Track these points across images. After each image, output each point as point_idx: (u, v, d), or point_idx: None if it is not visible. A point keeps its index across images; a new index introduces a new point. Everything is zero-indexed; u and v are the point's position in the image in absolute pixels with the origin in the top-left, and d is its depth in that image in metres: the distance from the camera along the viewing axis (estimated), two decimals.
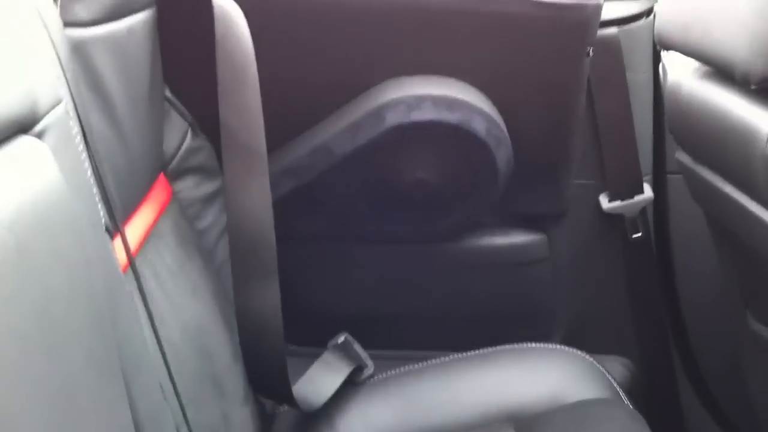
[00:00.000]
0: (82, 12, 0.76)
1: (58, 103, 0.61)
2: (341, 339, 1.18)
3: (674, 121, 1.12)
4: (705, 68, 1.03)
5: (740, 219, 0.98)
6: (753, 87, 0.87)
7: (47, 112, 0.59)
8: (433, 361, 1.19)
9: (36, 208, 0.51)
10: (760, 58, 0.84)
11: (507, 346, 1.20)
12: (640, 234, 1.39)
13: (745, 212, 0.96)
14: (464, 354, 1.19)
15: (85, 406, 0.55)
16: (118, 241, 0.74)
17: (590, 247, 1.41)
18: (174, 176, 1.04)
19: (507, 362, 1.18)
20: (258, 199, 0.97)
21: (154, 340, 0.80)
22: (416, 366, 1.18)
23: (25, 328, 0.48)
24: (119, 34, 0.84)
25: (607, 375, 1.15)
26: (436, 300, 1.36)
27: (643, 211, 1.38)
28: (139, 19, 0.90)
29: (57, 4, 0.74)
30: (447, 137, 1.17)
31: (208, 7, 0.97)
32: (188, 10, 1.01)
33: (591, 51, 1.20)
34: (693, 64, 1.05)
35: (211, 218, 1.09)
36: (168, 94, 1.05)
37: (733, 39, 0.88)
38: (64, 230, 0.54)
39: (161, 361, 0.80)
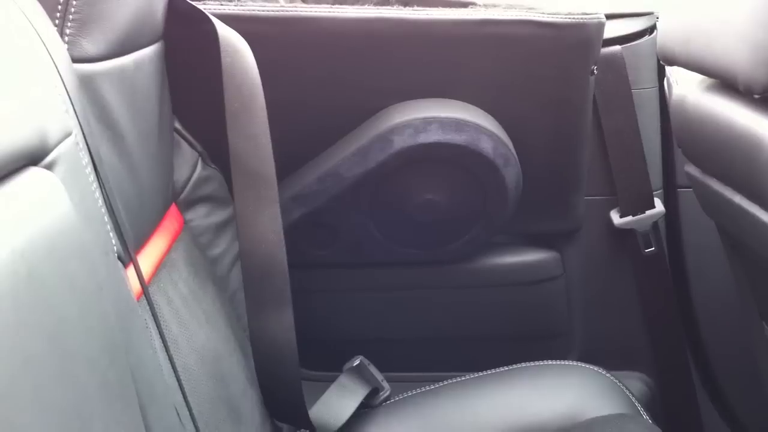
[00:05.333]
0: (89, 48, 0.78)
1: (68, 135, 0.62)
2: (356, 362, 1.19)
3: (681, 134, 1.12)
4: (709, 81, 1.03)
5: (751, 229, 0.98)
6: (756, 96, 0.87)
7: (57, 144, 0.59)
8: (450, 381, 1.18)
9: (47, 237, 0.52)
10: (762, 67, 0.85)
11: (524, 365, 1.20)
12: (653, 249, 1.39)
13: (755, 222, 0.96)
14: (481, 373, 1.19)
15: (100, 431, 0.55)
16: (131, 270, 0.75)
17: (604, 264, 1.41)
18: (185, 206, 1.05)
19: (524, 380, 1.18)
20: (269, 226, 0.98)
21: (169, 366, 0.80)
22: (433, 387, 1.18)
23: (38, 355, 0.49)
24: (127, 69, 0.85)
25: (625, 391, 1.15)
26: (451, 321, 1.36)
27: (655, 225, 1.38)
28: (147, 53, 0.91)
29: (65, 41, 0.75)
30: (455, 158, 1.18)
31: (214, 39, 0.98)
32: (195, 42, 1.02)
33: (595, 69, 1.21)
34: (697, 77, 1.06)
35: (224, 246, 1.10)
36: (177, 125, 1.06)
37: (734, 50, 0.88)
38: (75, 258, 0.55)
39: (176, 387, 0.81)
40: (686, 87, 1.08)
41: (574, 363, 1.20)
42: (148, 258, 0.89)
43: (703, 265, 1.41)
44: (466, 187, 1.21)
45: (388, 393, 1.18)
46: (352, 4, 1.15)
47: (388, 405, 1.17)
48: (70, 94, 0.66)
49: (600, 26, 1.17)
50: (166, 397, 0.73)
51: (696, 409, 1.47)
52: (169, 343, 0.82)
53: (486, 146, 1.16)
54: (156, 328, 0.81)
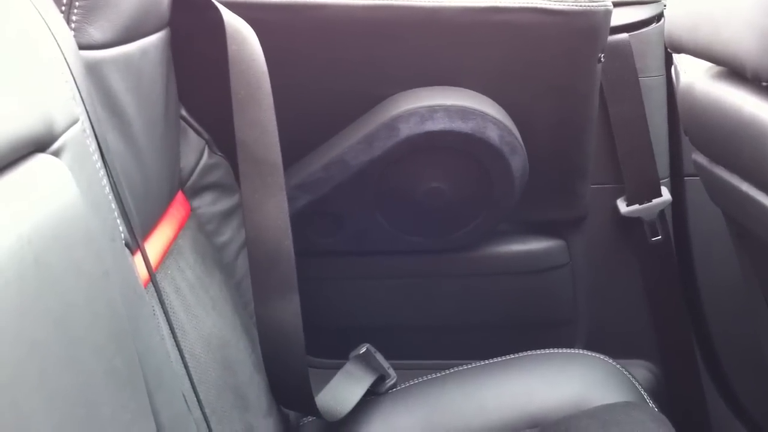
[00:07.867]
0: (96, 35, 0.78)
1: (75, 122, 0.62)
2: (363, 349, 1.19)
3: (688, 122, 1.12)
4: (716, 68, 1.03)
5: (758, 217, 0.98)
6: (764, 84, 0.87)
7: (64, 131, 0.60)
8: (456, 369, 1.19)
9: (54, 223, 0.52)
10: None
11: (530, 353, 1.20)
12: (659, 237, 1.38)
13: (763, 210, 0.95)
14: (487, 361, 1.20)
15: (107, 417, 0.55)
16: (138, 257, 0.75)
17: (610, 252, 1.41)
18: (192, 193, 1.05)
19: (530, 368, 1.18)
20: (276, 213, 0.98)
21: (177, 353, 0.81)
22: (439, 374, 1.18)
23: (44, 341, 0.49)
24: (133, 56, 0.85)
25: (630, 378, 1.15)
26: (457, 309, 1.37)
27: (661, 214, 1.38)
28: (153, 40, 0.91)
29: (71, 27, 0.75)
30: (461, 146, 1.18)
31: (221, 27, 0.98)
32: (201, 30, 1.02)
33: (603, 57, 1.20)
34: (705, 64, 1.05)
35: (230, 233, 1.10)
36: (183, 112, 1.06)
37: (741, 38, 0.88)
38: (82, 244, 0.55)
39: (184, 373, 0.81)
40: (694, 75, 1.07)
41: (580, 351, 1.20)
42: (155, 245, 0.89)
43: (709, 253, 1.41)
44: (472, 175, 1.21)
45: (394, 380, 1.18)
46: None
47: (395, 392, 1.17)
48: (77, 81, 0.66)
49: (607, 14, 1.17)
50: (173, 384, 0.74)
51: (701, 396, 1.47)
52: (176, 330, 0.83)
53: (492, 134, 1.16)
54: (163, 315, 0.81)
